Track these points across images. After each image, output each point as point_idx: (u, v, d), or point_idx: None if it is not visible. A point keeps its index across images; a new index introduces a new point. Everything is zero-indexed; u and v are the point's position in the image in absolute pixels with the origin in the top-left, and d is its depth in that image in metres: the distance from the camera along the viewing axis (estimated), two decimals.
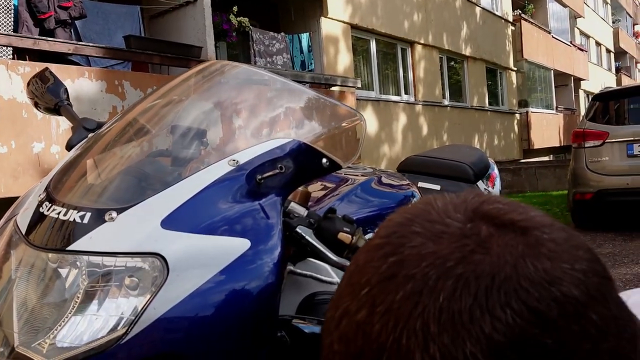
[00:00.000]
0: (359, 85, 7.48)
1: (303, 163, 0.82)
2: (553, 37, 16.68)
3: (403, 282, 0.33)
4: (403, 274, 0.33)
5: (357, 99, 7.60)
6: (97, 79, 4.51)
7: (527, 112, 14.23)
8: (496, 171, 2.19)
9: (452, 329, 0.32)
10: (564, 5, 17.66)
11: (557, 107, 16.57)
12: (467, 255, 0.33)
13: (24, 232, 0.75)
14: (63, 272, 0.70)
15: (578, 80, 18.51)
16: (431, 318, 0.32)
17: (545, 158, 15.44)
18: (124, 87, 4.69)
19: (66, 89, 1.10)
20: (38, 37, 4.43)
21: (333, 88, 7.02)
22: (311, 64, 7.54)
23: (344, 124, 0.96)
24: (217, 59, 5.86)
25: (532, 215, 0.36)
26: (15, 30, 4.58)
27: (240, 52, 6.77)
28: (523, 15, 14.63)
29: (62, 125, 4.23)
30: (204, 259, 0.68)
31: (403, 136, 9.19)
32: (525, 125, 14.11)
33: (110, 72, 4.77)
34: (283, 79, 0.97)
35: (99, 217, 0.69)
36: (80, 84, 4.27)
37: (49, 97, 1.07)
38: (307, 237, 0.85)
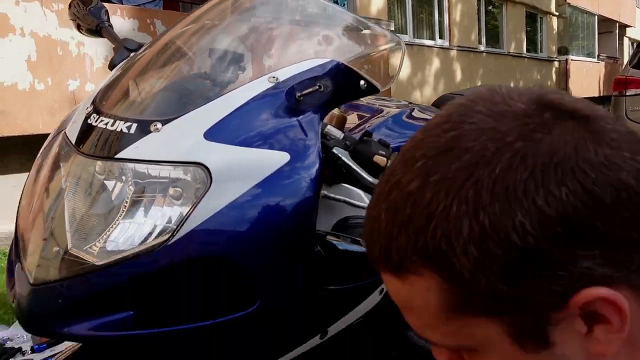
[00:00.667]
0: (392, 29, 7.27)
1: (341, 83, 0.82)
2: None
3: (460, 154, 0.34)
4: (461, 146, 0.34)
5: (383, 28, 7.41)
6: (130, 17, 4.51)
7: (566, 60, 13.66)
8: None
9: (504, 199, 0.32)
10: None
11: (599, 55, 15.85)
12: (527, 133, 0.34)
13: (73, 143, 0.78)
14: (110, 180, 0.73)
15: (623, 27, 17.54)
16: (484, 188, 0.33)
17: None
18: (155, 26, 4.68)
19: (107, 11, 1.11)
20: None
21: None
22: (344, 5, 7.34)
23: (382, 49, 0.95)
24: None
25: (596, 108, 0.37)
26: None
27: None
28: None
29: (95, 63, 4.28)
30: (245, 170, 0.70)
31: (436, 82, 8.99)
32: (564, 74, 13.59)
33: (142, 10, 4.75)
34: (327, 2, 0.96)
35: (144, 128, 0.71)
36: (113, 22, 4.27)
37: (90, 18, 1.08)
38: (343, 158, 0.87)
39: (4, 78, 3.85)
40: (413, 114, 1.31)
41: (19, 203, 0.91)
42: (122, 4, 4.99)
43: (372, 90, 0.87)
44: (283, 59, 0.87)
